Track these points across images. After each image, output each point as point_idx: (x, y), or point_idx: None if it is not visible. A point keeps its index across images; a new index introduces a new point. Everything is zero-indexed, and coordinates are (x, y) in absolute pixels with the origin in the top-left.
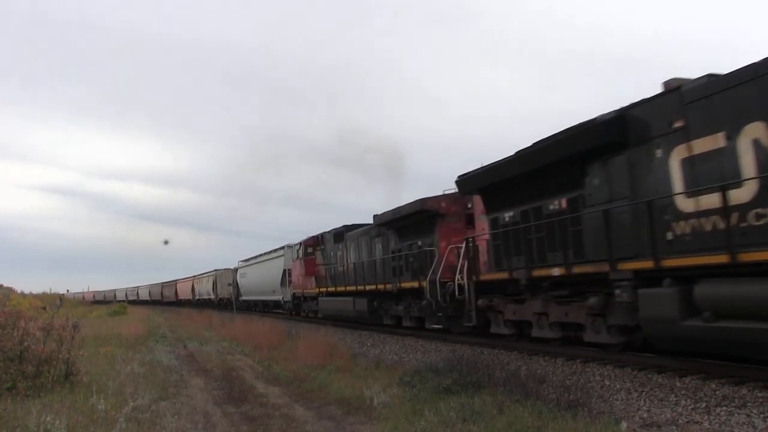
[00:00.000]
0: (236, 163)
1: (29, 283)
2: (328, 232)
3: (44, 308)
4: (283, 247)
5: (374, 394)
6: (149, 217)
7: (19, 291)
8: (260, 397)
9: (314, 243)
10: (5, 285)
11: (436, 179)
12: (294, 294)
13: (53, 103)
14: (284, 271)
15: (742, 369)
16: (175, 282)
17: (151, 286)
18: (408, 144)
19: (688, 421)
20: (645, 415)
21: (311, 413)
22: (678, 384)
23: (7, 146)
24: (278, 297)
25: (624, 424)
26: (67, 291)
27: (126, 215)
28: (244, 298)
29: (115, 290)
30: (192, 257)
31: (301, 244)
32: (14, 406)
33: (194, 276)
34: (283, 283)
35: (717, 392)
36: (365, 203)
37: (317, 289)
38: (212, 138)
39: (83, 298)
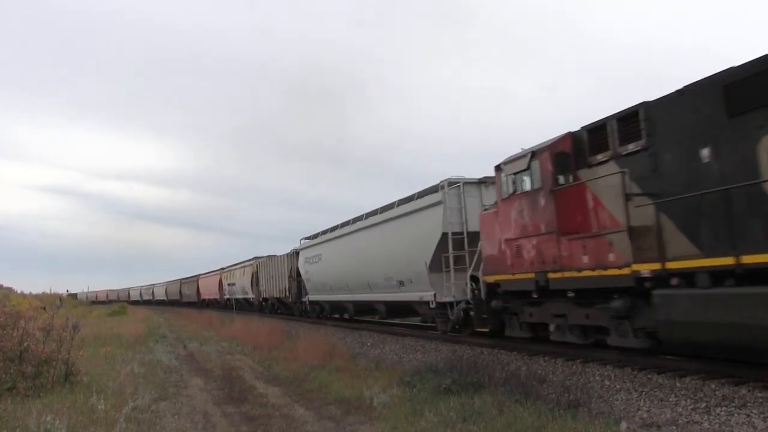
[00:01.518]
0: (236, 163)
1: (29, 283)
2: (689, 87)
3: (44, 308)
4: (436, 189)
5: (374, 394)
6: (149, 217)
7: (19, 291)
8: (260, 397)
9: (592, 147)
10: (5, 285)
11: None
12: (494, 284)
13: (54, 103)
14: (443, 236)
15: (742, 369)
16: (196, 278)
17: (168, 283)
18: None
19: (688, 422)
20: (645, 416)
21: (311, 413)
22: (678, 384)
23: (8, 147)
24: (416, 295)
25: (624, 425)
26: (67, 291)
27: (127, 215)
28: (314, 298)
29: (129, 289)
30: (193, 257)
31: (532, 155)
32: (14, 406)
33: (222, 269)
34: (434, 266)
35: (717, 392)
36: (367, 202)
37: (641, 267)
38: (212, 138)
39: (96, 297)
